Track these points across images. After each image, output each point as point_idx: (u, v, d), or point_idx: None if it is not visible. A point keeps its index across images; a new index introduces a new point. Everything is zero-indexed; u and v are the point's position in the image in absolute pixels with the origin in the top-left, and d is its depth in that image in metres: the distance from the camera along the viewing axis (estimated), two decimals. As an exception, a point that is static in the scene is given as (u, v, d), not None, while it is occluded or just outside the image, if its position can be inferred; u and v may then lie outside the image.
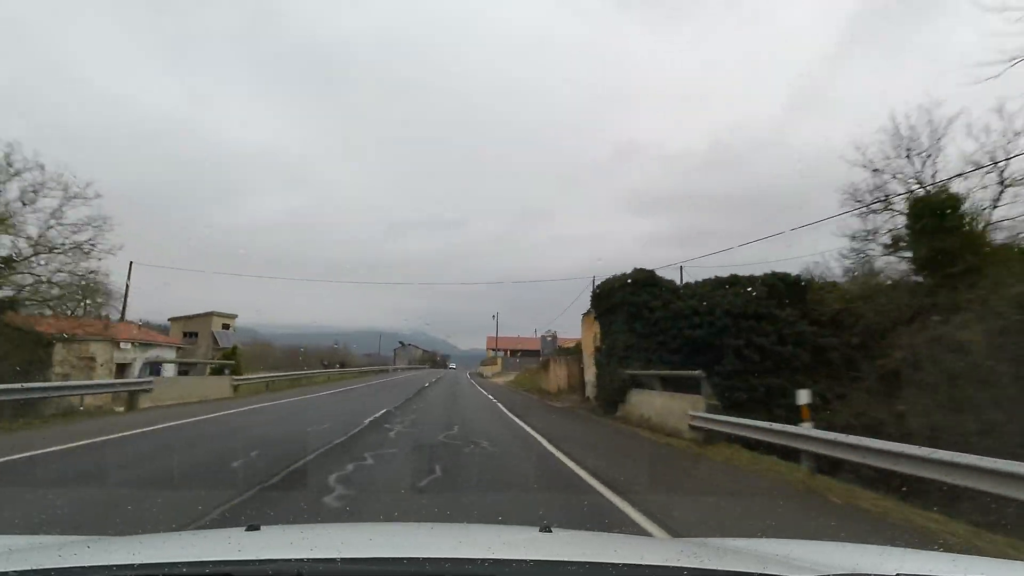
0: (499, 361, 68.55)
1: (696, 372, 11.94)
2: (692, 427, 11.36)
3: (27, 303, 18.57)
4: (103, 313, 21.59)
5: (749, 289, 14.27)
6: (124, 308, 25.43)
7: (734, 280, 15.03)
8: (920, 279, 12.28)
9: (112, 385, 17.11)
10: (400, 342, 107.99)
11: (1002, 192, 12.30)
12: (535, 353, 63.80)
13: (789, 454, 8.60)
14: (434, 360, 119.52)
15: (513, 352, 75.87)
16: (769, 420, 9.61)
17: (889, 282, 13.19)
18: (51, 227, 18.01)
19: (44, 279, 18.34)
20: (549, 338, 58.40)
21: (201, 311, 39.59)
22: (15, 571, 1.24)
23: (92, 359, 19.93)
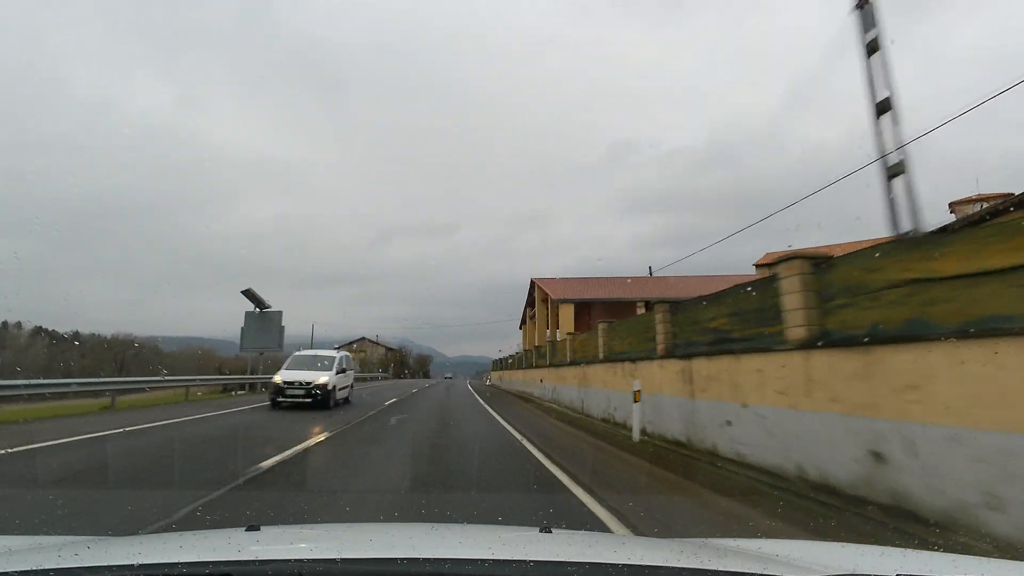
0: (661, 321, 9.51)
1: None
2: None
3: None
4: None
5: None
6: None
7: None
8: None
9: None
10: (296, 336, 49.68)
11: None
12: (628, 306, 27.86)
13: None
14: (403, 364, 74.14)
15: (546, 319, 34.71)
16: None
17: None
18: None
19: None
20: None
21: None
22: (15, 571, 1.24)
23: None
